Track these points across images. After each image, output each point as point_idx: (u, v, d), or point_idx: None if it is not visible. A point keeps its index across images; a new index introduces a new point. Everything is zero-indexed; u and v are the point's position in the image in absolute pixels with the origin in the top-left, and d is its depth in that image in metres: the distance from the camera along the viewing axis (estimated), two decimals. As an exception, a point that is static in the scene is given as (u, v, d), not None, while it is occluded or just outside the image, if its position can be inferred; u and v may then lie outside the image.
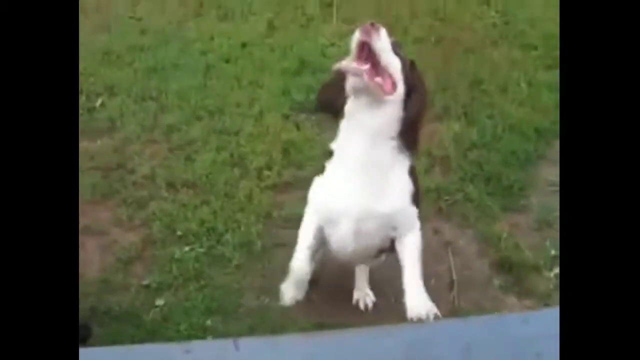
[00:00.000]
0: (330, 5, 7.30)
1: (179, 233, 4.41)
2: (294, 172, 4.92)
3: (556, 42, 6.32)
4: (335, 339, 3.00)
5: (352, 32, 6.13)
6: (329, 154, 3.28)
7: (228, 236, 4.36)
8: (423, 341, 2.85)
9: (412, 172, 3.26)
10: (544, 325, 2.87)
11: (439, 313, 3.08)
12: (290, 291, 3.55)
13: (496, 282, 4.09)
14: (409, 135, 3.16)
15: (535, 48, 6.42)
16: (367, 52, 2.98)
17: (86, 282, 3.95)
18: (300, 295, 3.54)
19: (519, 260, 4.17)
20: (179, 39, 6.76)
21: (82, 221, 4.25)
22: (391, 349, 2.80)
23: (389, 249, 3.43)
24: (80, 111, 5.55)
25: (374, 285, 4.02)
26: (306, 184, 4.62)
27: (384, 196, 3.19)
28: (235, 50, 6.53)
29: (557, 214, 4.47)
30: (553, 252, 4.21)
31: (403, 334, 2.92)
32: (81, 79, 5.89)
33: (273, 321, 3.82)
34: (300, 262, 3.44)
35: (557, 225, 4.42)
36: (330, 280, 4.08)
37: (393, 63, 3.02)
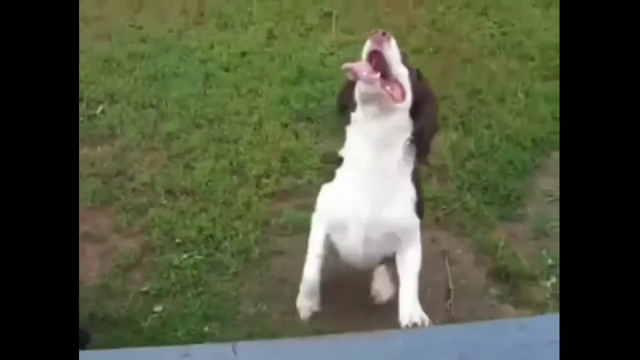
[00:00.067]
0: (329, 15, 7.32)
1: (177, 240, 4.40)
2: (292, 180, 4.91)
3: (553, 53, 6.37)
4: (332, 344, 3.00)
5: (351, 42, 6.21)
6: (338, 160, 3.33)
7: (226, 243, 4.35)
8: (419, 347, 2.84)
9: (417, 180, 3.33)
10: (539, 332, 2.87)
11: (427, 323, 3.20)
12: (305, 303, 3.66)
13: (493, 291, 4.07)
14: (417, 143, 3.22)
15: (533, 59, 6.42)
16: (378, 61, 3.01)
17: (85, 288, 3.94)
18: (316, 306, 3.64)
19: (515, 270, 4.15)
20: (179, 47, 6.78)
21: (82, 227, 4.26)
22: (388, 355, 2.80)
23: (391, 259, 3.51)
24: (81, 118, 5.56)
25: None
26: (304, 192, 4.68)
27: (390, 204, 3.27)
28: (234, 59, 6.54)
29: (554, 223, 4.48)
30: (549, 261, 4.20)
31: (399, 340, 2.92)
32: (82, 86, 5.92)
33: (270, 328, 3.81)
34: (311, 271, 3.55)
35: (553, 235, 4.41)
36: (328, 289, 4.07)
37: (402, 72, 3.08)
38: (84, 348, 3.37)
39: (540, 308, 3.92)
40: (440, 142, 5.14)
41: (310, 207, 4.50)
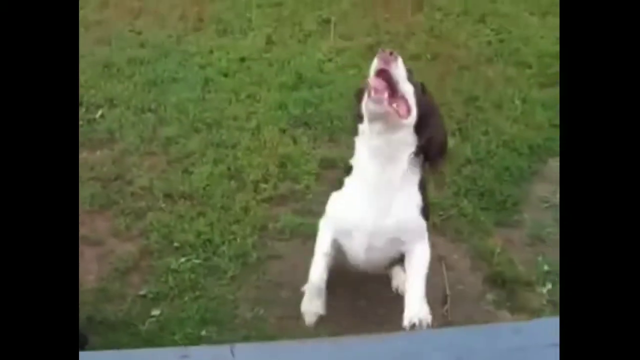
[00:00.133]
0: (327, 21, 7.30)
1: (175, 244, 4.40)
2: (290, 185, 4.91)
3: (550, 60, 6.37)
4: (330, 346, 2.99)
5: (349, 48, 6.22)
6: (348, 169, 3.43)
7: (224, 248, 4.35)
8: (416, 350, 2.83)
9: (422, 188, 3.39)
10: (535, 335, 2.86)
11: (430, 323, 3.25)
12: (310, 306, 3.66)
13: (489, 296, 4.07)
14: (426, 155, 3.32)
15: (530, 66, 6.41)
16: (385, 79, 3.07)
17: (83, 291, 3.93)
18: (321, 310, 3.64)
19: (511, 276, 4.15)
20: (178, 52, 6.76)
21: (81, 231, 4.27)
22: (385, 357, 2.79)
23: (400, 261, 3.57)
24: (80, 122, 5.55)
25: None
26: (302, 197, 4.68)
27: (394, 212, 3.34)
28: (233, 64, 6.53)
29: (550, 229, 4.50)
30: (546, 267, 4.20)
31: (396, 342, 2.91)
32: (82, 90, 5.92)
33: (267, 332, 3.81)
34: (318, 272, 3.56)
35: (549, 241, 4.41)
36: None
37: (408, 89, 3.14)
38: (82, 349, 3.37)
39: (536, 314, 3.92)
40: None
41: (307, 212, 4.56)
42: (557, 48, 6.54)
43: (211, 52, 6.75)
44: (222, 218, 4.59)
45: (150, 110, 5.81)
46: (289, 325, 3.87)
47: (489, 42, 6.89)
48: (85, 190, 4.79)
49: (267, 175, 4.98)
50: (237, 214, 4.63)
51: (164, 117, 5.71)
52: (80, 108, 5.72)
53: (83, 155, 5.14)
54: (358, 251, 3.50)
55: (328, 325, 3.76)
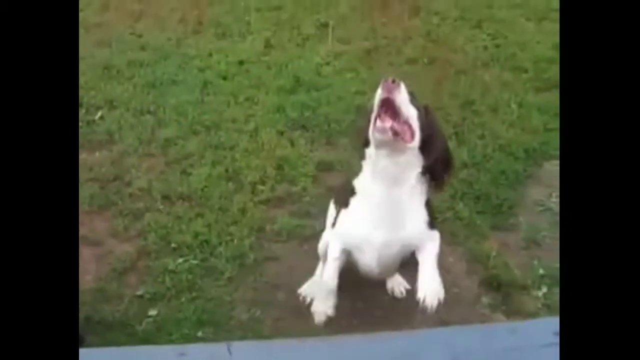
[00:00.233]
0: (325, 25, 7.31)
1: (173, 245, 4.37)
2: (287, 187, 4.89)
3: (546, 65, 6.36)
4: (327, 344, 2.98)
5: (346, 52, 6.21)
6: (352, 191, 3.46)
7: (221, 249, 4.33)
8: (412, 350, 2.81)
9: (429, 205, 3.46)
10: (530, 336, 2.84)
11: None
12: (321, 307, 3.66)
13: (485, 300, 4.04)
14: (432, 175, 3.38)
15: (526, 71, 6.40)
16: (389, 107, 3.13)
17: (81, 291, 3.89)
18: (330, 310, 3.64)
19: (507, 279, 4.12)
20: (178, 55, 6.78)
21: (79, 231, 4.23)
22: (381, 356, 2.77)
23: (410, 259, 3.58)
24: (80, 124, 5.55)
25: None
26: (299, 199, 4.67)
27: (401, 229, 3.40)
28: (232, 67, 6.53)
29: (546, 233, 4.47)
30: (541, 271, 4.17)
31: (392, 342, 2.89)
32: (82, 92, 5.93)
33: (263, 333, 3.78)
34: (331, 278, 3.58)
35: (545, 245, 4.39)
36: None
37: (412, 114, 3.19)
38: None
39: (531, 317, 3.89)
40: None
41: (304, 214, 4.56)
42: (552, 53, 6.56)
43: (210, 55, 6.76)
44: (220, 219, 4.57)
45: (149, 112, 5.81)
46: (286, 326, 3.85)
47: (486, 47, 6.89)
48: (84, 191, 4.77)
49: (264, 177, 4.96)
50: (235, 215, 4.61)
51: (163, 119, 5.71)
52: (80, 109, 5.72)
53: (82, 156, 5.13)
54: (370, 265, 3.55)
55: (327, 325, 3.72)
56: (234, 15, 7.59)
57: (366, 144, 3.34)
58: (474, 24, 7.36)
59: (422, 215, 3.44)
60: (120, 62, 6.57)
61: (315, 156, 5.21)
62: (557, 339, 2.44)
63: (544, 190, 4.86)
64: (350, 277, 3.74)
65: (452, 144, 5.12)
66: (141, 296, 4.04)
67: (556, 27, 7.01)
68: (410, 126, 3.20)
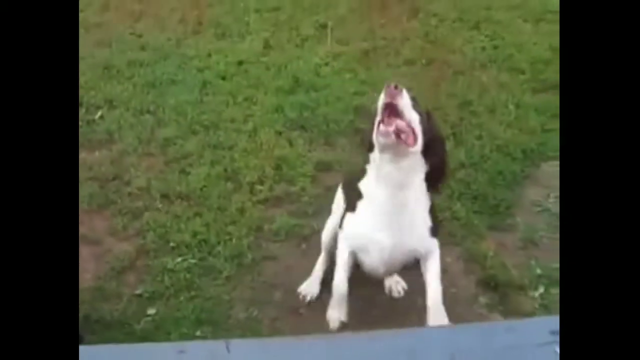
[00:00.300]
0: (324, 26, 7.30)
1: (172, 244, 4.37)
2: (286, 187, 4.89)
3: (543, 66, 6.36)
4: (324, 342, 2.97)
5: (345, 52, 6.20)
6: (358, 194, 3.48)
7: (219, 248, 4.32)
8: (409, 348, 2.80)
9: (432, 210, 3.52)
10: (528, 334, 2.83)
11: None
12: (334, 314, 3.72)
13: (482, 299, 4.03)
14: (431, 179, 3.42)
15: (523, 72, 6.38)
16: (392, 112, 3.16)
17: (80, 290, 3.88)
18: (343, 316, 3.71)
19: (504, 279, 4.10)
20: (177, 55, 6.78)
21: (79, 230, 4.21)
22: (379, 354, 2.76)
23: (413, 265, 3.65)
24: (80, 123, 5.55)
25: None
26: (297, 199, 4.66)
27: (407, 233, 3.45)
28: (231, 67, 6.52)
29: (543, 233, 4.46)
30: (538, 271, 4.15)
31: (390, 340, 2.88)
32: (82, 92, 5.94)
33: (261, 333, 3.77)
34: (342, 284, 3.65)
35: (542, 245, 4.38)
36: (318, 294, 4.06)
37: (414, 118, 3.22)
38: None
39: (528, 317, 3.87)
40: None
41: (302, 214, 4.57)
42: (549, 54, 6.56)
43: (210, 55, 6.76)
44: (218, 219, 4.56)
45: (149, 111, 5.81)
46: (283, 326, 3.85)
47: (483, 48, 6.87)
48: (84, 190, 4.77)
49: (263, 177, 4.95)
50: (233, 214, 4.60)
51: (162, 118, 5.71)
52: (80, 109, 5.72)
53: (82, 155, 5.13)
54: (376, 267, 3.61)
55: (325, 325, 3.75)
56: (234, 16, 7.59)
57: (370, 148, 3.36)
58: (472, 26, 7.35)
59: (426, 221, 3.49)
60: (120, 62, 6.58)
61: (314, 156, 5.20)
62: (554, 338, 2.44)
63: (542, 191, 4.85)
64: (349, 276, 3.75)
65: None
66: (140, 295, 4.03)
67: (553, 28, 7.02)
68: (413, 130, 3.22)
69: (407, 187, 3.35)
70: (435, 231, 3.54)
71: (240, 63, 6.62)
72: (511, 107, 5.82)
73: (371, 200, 3.44)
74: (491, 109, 5.80)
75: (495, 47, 6.87)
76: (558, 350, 2.47)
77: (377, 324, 3.80)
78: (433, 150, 3.36)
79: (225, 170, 5.03)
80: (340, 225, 3.68)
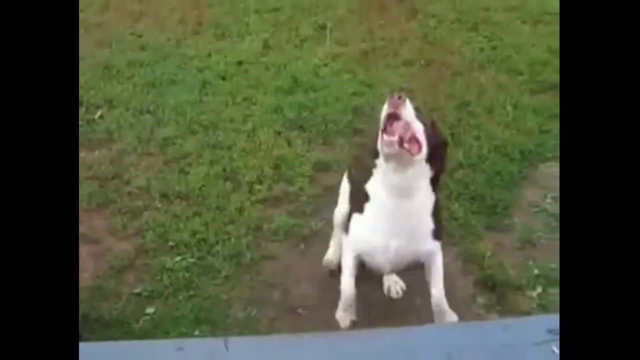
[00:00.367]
0: (323, 27, 7.28)
1: (171, 243, 4.37)
2: (284, 187, 4.88)
3: (541, 67, 6.34)
4: (322, 341, 2.98)
5: (344, 53, 6.19)
6: (365, 196, 3.51)
7: (218, 247, 4.32)
8: (407, 347, 2.81)
9: (436, 212, 3.56)
10: (524, 333, 2.84)
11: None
12: (345, 315, 3.77)
13: (479, 300, 4.02)
14: (433, 184, 3.48)
15: (521, 73, 6.36)
16: (395, 122, 3.20)
17: (79, 289, 3.87)
18: (353, 316, 3.76)
19: (502, 279, 4.09)
20: (177, 55, 6.77)
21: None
22: (376, 353, 2.77)
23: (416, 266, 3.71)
24: (80, 122, 5.54)
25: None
26: (296, 198, 4.66)
27: (412, 237, 3.52)
28: (231, 67, 6.51)
29: (540, 234, 4.45)
30: (536, 271, 4.14)
31: (387, 339, 2.88)
32: (82, 91, 5.94)
33: (260, 332, 3.76)
34: (348, 288, 3.70)
35: (539, 245, 4.37)
36: (316, 295, 4.07)
37: (417, 128, 3.25)
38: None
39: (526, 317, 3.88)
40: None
41: (301, 214, 4.57)
42: (547, 56, 6.54)
43: (209, 55, 6.74)
44: (217, 218, 4.56)
45: (148, 111, 5.80)
46: (281, 325, 3.84)
47: (482, 49, 6.85)
48: (84, 189, 4.76)
49: (261, 177, 4.94)
50: (232, 214, 4.60)
51: (161, 118, 5.70)
52: (80, 108, 5.71)
53: (82, 154, 5.12)
54: (383, 266, 3.67)
55: (325, 323, 3.76)
56: (233, 17, 7.57)
57: (375, 155, 3.39)
58: (470, 27, 7.33)
59: (429, 224, 3.53)
60: (120, 62, 6.57)
61: (312, 156, 5.19)
62: (550, 337, 2.44)
63: (539, 192, 4.84)
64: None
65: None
66: (139, 294, 4.03)
67: (551, 30, 7.00)
68: (417, 139, 3.25)
69: (412, 194, 3.40)
70: (437, 233, 3.59)
71: (239, 63, 6.61)
72: (509, 108, 5.80)
73: (378, 205, 3.48)
74: (489, 110, 5.79)
75: (494, 48, 6.85)
76: (555, 349, 2.47)
77: (376, 323, 3.79)
78: (438, 157, 3.40)
79: (224, 170, 5.02)
80: (347, 229, 3.70)
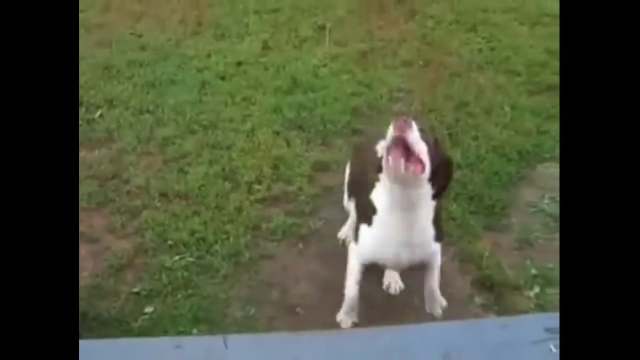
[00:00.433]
0: (323, 28, 7.28)
1: (169, 242, 4.36)
2: (283, 186, 4.87)
3: (539, 69, 6.34)
4: (321, 338, 2.97)
5: (343, 54, 6.18)
6: (373, 209, 3.57)
7: (217, 247, 4.31)
8: (405, 345, 2.79)
9: (437, 219, 3.61)
10: (522, 331, 2.83)
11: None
12: (346, 318, 3.82)
13: (477, 299, 4.01)
14: (436, 197, 3.53)
15: (519, 74, 6.36)
16: (401, 145, 3.25)
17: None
18: (355, 317, 3.82)
19: (499, 279, 4.08)
20: (177, 55, 6.77)
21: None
22: (374, 351, 2.75)
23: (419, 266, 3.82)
24: (80, 122, 5.53)
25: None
26: (294, 198, 4.65)
27: (417, 245, 3.59)
28: (230, 68, 6.50)
29: (538, 234, 4.44)
30: (533, 271, 4.13)
31: (386, 337, 2.87)
32: (82, 91, 5.94)
33: (258, 331, 3.75)
34: (352, 291, 3.77)
35: (537, 246, 4.36)
36: (314, 294, 4.07)
37: (422, 149, 3.29)
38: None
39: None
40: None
41: (299, 213, 4.57)
42: (545, 57, 6.54)
43: (209, 55, 6.75)
44: (216, 217, 4.54)
45: (148, 111, 5.80)
46: (280, 324, 3.83)
47: (480, 50, 6.85)
48: (83, 188, 4.75)
49: (260, 177, 4.93)
50: (231, 213, 4.58)
51: (161, 118, 5.69)
52: (80, 108, 5.71)
53: (82, 154, 5.11)
54: (391, 268, 3.91)
55: (323, 322, 3.77)
56: (233, 17, 7.57)
57: (379, 170, 3.43)
58: (468, 28, 7.33)
59: (431, 233, 3.59)
60: (120, 62, 6.57)
61: (311, 156, 5.18)
62: (548, 335, 2.42)
63: (537, 192, 4.83)
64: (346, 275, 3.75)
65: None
66: (137, 293, 4.02)
67: (549, 31, 7.01)
68: (421, 160, 3.29)
69: (416, 208, 3.47)
70: (439, 237, 3.66)
71: (239, 63, 6.60)
72: (507, 108, 5.80)
73: (384, 218, 3.54)
74: (487, 111, 5.79)
75: (492, 50, 6.85)
76: (553, 347, 2.45)
77: (375, 321, 3.78)
78: (440, 174, 3.45)
79: (223, 169, 5.01)
80: (356, 237, 3.75)
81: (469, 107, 5.84)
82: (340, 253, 4.09)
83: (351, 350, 2.78)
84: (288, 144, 5.33)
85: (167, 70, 6.43)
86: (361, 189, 3.77)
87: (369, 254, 3.70)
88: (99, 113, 5.75)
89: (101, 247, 4.36)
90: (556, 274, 4.04)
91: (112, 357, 2.73)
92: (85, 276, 4.07)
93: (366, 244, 3.68)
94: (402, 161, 3.24)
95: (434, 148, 3.40)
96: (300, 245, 4.38)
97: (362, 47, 6.90)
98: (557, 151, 5.10)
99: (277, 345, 2.86)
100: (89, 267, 4.17)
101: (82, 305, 3.80)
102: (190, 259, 4.22)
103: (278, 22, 7.49)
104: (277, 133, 5.47)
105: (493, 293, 4.04)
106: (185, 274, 4.11)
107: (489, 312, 3.93)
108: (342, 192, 4.24)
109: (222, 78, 6.34)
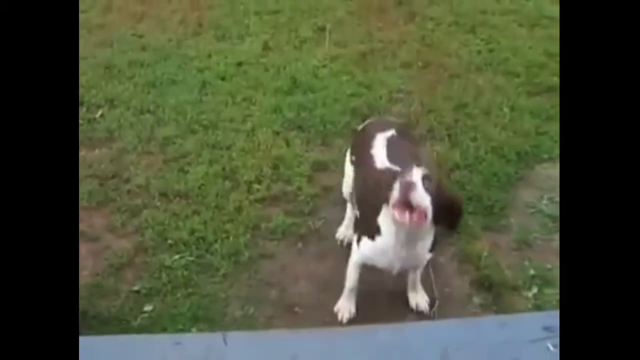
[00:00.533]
0: (323, 29, 7.27)
1: (169, 241, 4.36)
2: (283, 186, 4.86)
3: (538, 70, 6.33)
4: (320, 336, 2.96)
5: (343, 55, 6.17)
6: (377, 229, 3.63)
7: (217, 246, 4.30)
8: (403, 343, 2.78)
9: (434, 240, 3.71)
10: (520, 330, 2.82)
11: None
12: (346, 305, 3.93)
13: (476, 300, 4.01)
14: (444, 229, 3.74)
15: (518, 75, 6.35)
16: (406, 201, 3.34)
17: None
18: (353, 309, 3.92)
19: (498, 279, 4.08)
20: (178, 56, 6.75)
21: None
22: (372, 349, 2.74)
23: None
24: (81, 121, 5.53)
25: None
26: (294, 198, 4.64)
27: (414, 259, 3.74)
28: (231, 68, 6.49)
29: (536, 234, 4.44)
30: (532, 272, 4.13)
31: (384, 335, 2.86)
32: (83, 91, 5.94)
33: (257, 330, 3.73)
34: (353, 279, 3.89)
35: (535, 246, 4.36)
36: (313, 293, 4.07)
37: (425, 204, 3.38)
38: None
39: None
40: (427, 153, 5.08)
41: (299, 213, 4.58)
42: (544, 58, 6.53)
43: (209, 56, 6.73)
44: (216, 217, 4.54)
45: (149, 111, 5.79)
46: (279, 323, 3.82)
47: (479, 52, 6.84)
48: (83, 187, 4.74)
49: (260, 176, 4.93)
50: (231, 213, 4.58)
51: (162, 118, 5.69)
52: (81, 108, 5.72)
53: (82, 153, 5.11)
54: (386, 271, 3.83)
55: (322, 321, 3.79)
56: (234, 18, 7.56)
57: (386, 201, 3.45)
58: (468, 29, 7.31)
59: (429, 245, 3.68)
60: (121, 62, 6.56)
61: (311, 156, 5.18)
62: (546, 334, 2.41)
63: (535, 193, 4.82)
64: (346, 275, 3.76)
65: (445, 146, 5.14)
66: (137, 292, 4.02)
67: (548, 33, 7.01)
68: (424, 210, 3.36)
69: (418, 240, 3.60)
70: (433, 248, 3.73)
71: (239, 64, 6.59)
72: (506, 109, 5.78)
73: (387, 239, 3.60)
74: (486, 112, 5.77)
75: (491, 51, 6.84)
76: (551, 346, 2.44)
77: (373, 319, 3.77)
78: (445, 213, 3.51)
79: (224, 169, 5.01)
80: (358, 243, 3.78)
81: (468, 108, 5.83)
82: (339, 253, 4.09)
83: (350, 348, 2.77)
84: (288, 144, 5.32)
85: (168, 70, 6.42)
86: (366, 203, 3.80)
87: (368, 260, 3.76)
88: (100, 113, 5.74)
89: (101, 246, 4.35)
90: (554, 274, 4.04)
91: (112, 353, 2.72)
92: (85, 275, 4.07)
93: (366, 251, 3.73)
94: (407, 216, 3.34)
95: (438, 192, 3.45)
96: (300, 245, 4.38)
97: (362, 48, 6.88)
98: (556, 152, 5.09)
99: (276, 343, 2.86)
100: (89, 265, 4.17)
101: (82, 303, 3.81)
102: (190, 258, 4.22)
103: (278, 23, 7.48)
104: (277, 133, 5.46)
105: (491, 293, 4.03)
106: (185, 272, 4.11)
107: (488, 312, 3.92)
108: (341, 185, 4.27)
109: (223, 78, 6.33)
